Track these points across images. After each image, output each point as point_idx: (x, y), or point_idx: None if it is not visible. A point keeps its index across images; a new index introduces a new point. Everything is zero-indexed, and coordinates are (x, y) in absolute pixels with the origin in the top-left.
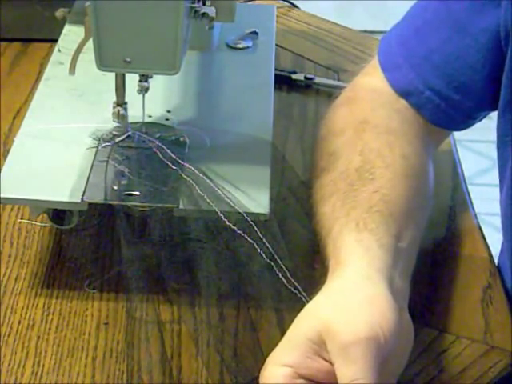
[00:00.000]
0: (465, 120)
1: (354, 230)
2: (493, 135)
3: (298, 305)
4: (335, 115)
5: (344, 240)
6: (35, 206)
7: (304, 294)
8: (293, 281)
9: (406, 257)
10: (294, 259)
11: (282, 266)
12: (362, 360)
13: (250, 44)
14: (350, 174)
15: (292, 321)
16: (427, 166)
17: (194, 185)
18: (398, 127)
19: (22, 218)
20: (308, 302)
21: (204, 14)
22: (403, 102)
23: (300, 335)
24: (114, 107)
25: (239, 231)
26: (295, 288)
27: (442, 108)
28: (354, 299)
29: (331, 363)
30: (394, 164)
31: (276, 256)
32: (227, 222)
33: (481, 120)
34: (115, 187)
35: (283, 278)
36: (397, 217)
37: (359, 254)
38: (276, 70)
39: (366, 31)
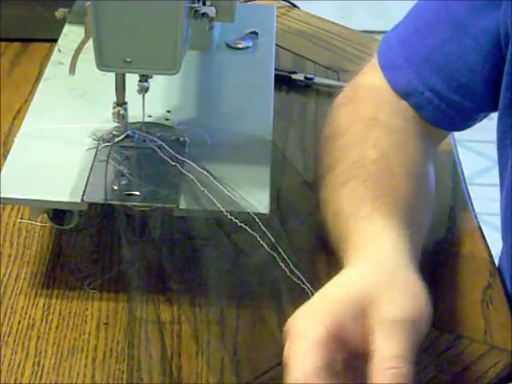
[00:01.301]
0: (464, 121)
1: (383, 217)
2: (493, 135)
3: (297, 305)
4: (340, 114)
5: (374, 224)
6: (35, 206)
7: (308, 284)
8: (296, 272)
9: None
10: (294, 259)
11: (282, 264)
12: (404, 339)
13: (250, 44)
14: (366, 164)
15: None
16: (430, 167)
17: (195, 185)
18: (402, 128)
19: (22, 218)
20: (311, 291)
21: (204, 14)
22: (404, 102)
23: (340, 298)
24: (113, 107)
25: (243, 227)
26: (299, 278)
27: (442, 109)
28: (399, 277)
29: (365, 331)
30: (405, 165)
31: (276, 256)
32: (233, 219)
33: (481, 120)
34: (115, 187)
35: (286, 269)
36: (413, 220)
37: (393, 236)
38: (276, 70)
39: (366, 31)
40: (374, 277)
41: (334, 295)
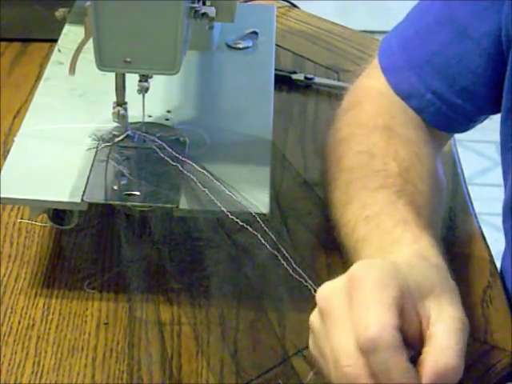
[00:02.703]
0: (466, 123)
1: (429, 235)
2: (493, 135)
3: (299, 304)
4: (348, 118)
5: (422, 236)
6: (35, 206)
7: (310, 282)
8: (299, 270)
9: None
10: (296, 259)
11: (284, 263)
12: (463, 338)
13: (250, 44)
14: (391, 175)
15: (292, 321)
16: (441, 174)
17: (195, 184)
18: (415, 138)
19: (22, 218)
20: (314, 289)
21: (204, 13)
22: (412, 110)
23: (407, 273)
24: (114, 107)
25: (243, 227)
26: (301, 276)
27: (443, 111)
28: (451, 283)
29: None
30: (427, 179)
31: (278, 255)
32: (234, 219)
33: (482, 122)
34: (115, 187)
35: (288, 268)
36: (436, 230)
37: (429, 239)
38: (276, 70)
39: (366, 31)
40: (432, 271)
41: (403, 268)
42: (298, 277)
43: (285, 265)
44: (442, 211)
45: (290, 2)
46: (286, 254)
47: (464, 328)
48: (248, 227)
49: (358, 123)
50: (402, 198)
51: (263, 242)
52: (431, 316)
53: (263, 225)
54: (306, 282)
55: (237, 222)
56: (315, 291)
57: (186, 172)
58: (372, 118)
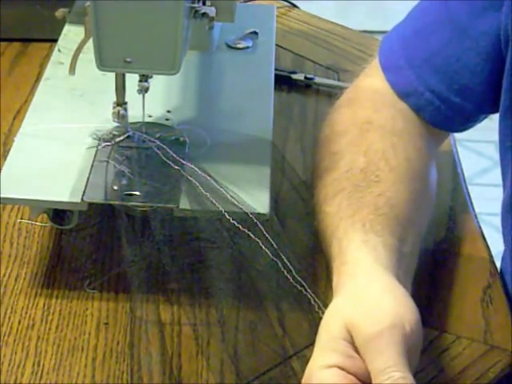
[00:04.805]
0: (465, 122)
1: (360, 231)
2: (493, 135)
3: (298, 304)
4: (338, 116)
5: (350, 240)
6: (35, 205)
7: (309, 291)
8: (298, 278)
9: (409, 259)
10: (295, 259)
11: (287, 263)
12: (388, 349)
13: (250, 44)
14: (354, 174)
15: (292, 321)
16: (430, 168)
17: (196, 184)
18: (401, 128)
19: (21, 218)
20: (313, 298)
21: (204, 14)
22: (404, 103)
23: (333, 337)
24: (114, 107)
25: (243, 229)
26: (301, 285)
27: (442, 110)
28: (372, 292)
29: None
30: (399, 167)
31: (277, 256)
32: (231, 220)
33: (481, 121)
34: (115, 187)
35: (288, 276)
36: (401, 221)
37: (365, 253)
38: (276, 70)
39: (366, 31)
40: (350, 301)
41: (330, 337)
42: (297, 285)
43: (284, 270)
44: (423, 200)
45: (290, 2)
46: (285, 259)
47: (385, 338)
48: (247, 229)
49: (342, 121)
50: (348, 199)
51: (262, 246)
52: (361, 354)
53: (261, 226)
54: (306, 291)
55: (236, 223)
56: (311, 295)
57: (186, 172)
58: (356, 115)
